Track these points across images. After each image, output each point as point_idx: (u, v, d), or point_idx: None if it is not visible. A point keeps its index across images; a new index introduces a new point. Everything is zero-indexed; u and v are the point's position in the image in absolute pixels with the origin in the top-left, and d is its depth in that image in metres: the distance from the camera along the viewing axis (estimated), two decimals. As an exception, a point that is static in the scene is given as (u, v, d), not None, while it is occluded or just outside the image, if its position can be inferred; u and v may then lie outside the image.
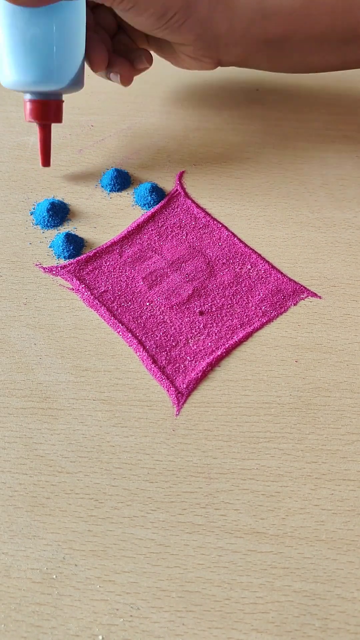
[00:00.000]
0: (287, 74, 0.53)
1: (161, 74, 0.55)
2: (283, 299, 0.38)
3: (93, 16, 0.42)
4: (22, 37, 0.35)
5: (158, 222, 0.42)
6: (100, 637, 0.26)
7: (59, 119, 0.39)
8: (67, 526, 0.29)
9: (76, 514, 0.29)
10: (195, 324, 0.36)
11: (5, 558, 0.28)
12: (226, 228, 0.42)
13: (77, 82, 0.39)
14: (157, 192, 0.43)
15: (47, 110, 0.39)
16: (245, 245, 0.40)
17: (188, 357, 0.35)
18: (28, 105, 0.39)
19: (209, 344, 0.35)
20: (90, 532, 0.29)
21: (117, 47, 0.43)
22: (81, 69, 0.39)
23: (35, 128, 0.50)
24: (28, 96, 0.39)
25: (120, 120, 0.50)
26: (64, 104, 0.40)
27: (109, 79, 0.43)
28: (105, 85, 0.54)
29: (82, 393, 0.34)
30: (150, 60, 0.43)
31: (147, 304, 0.37)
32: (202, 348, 0.35)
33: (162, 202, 0.43)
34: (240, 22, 0.36)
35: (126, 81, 0.41)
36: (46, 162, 0.41)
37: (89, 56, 0.40)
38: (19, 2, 0.32)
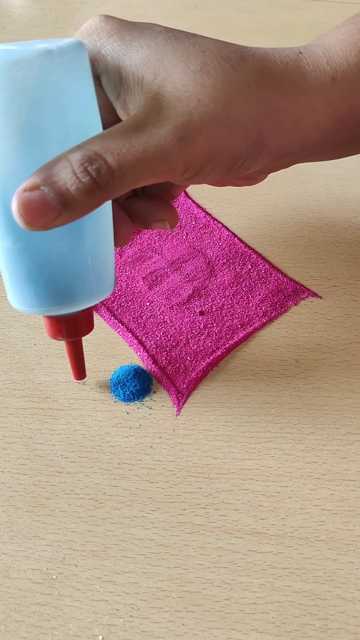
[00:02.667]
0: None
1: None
2: (283, 298, 0.38)
3: None
4: (44, 257, 0.26)
5: (158, 222, 0.42)
6: (100, 638, 0.26)
7: (91, 328, 0.30)
8: (67, 526, 0.29)
9: (76, 514, 0.29)
10: (195, 324, 0.36)
11: (6, 558, 0.28)
12: (226, 228, 0.41)
13: (113, 283, 0.29)
14: (158, 192, 0.43)
15: (78, 325, 0.29)
16: (246, 245, 0.40)
17: (188, 357, 0.35)
18: (52, 323, 0.29)
19: (209, 344, 0.35)
20: (90, 532, 0.29)
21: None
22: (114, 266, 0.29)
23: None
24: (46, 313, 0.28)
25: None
26: None
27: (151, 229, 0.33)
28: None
29: (82, 393, 0.34)
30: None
31: (148, 304, 0.37)
32: (203, 348, 0.35)
33: (163, 202, 0.43)
34: (312, 138, 0.29)
35: (175, 223, 0.32)
36: (82, 374, 0.33)
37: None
38: (44, 225, 0.23)
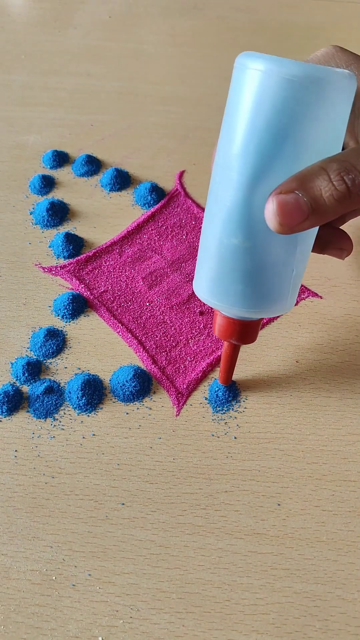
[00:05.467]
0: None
1: (160, 73, 0.55)
2: (283, 299, 0.37)
3: None
4: (263, 260, 0.27)
5: (158, 222, 0.42)
6: (100, 639, 0.26)
7: (254, 338, 0.31)
8: (66, 527, 0.29)
9: (76, 515, 0.29)
10: (195, 324, 0.36)
11: (5, 559, 0.28)
12: (226, 228, 0.41)
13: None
14: (157, 192, 0.43)
15: (248, 331, 0.30)
16: (246, 245, 0.40)
17: (188, 358, 0.35)
18: (224, 322, 0.30)
19: (209, 344, 0.35)
20: (90, 533, 0.29)
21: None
22: None
23: (34, 128, 0.50)
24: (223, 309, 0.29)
25: (120, 120, 0.50)
26: None
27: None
28: (105, 84, 0.54)
29: (82, 393, 0.34)
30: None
31: (147, 304, 0.37)
32: (202, 348, 0.35)
33: (162, 201, 0.43)
34: None
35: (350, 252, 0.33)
36: (228, 379, 0.33)
37: None
38: (291, 227, 0.25)
